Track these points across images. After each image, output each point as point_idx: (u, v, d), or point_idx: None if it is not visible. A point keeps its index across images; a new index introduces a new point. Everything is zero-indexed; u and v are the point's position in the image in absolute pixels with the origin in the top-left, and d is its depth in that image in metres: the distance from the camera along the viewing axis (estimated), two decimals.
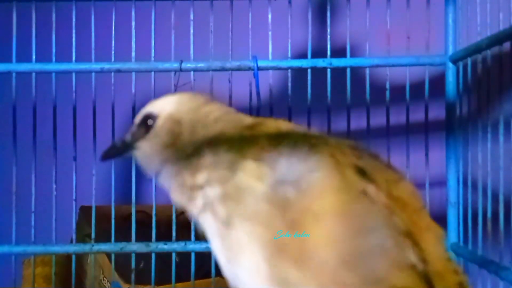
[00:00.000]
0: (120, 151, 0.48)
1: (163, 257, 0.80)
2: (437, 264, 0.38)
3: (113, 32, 0.77)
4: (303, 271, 0.35)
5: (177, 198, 0.45)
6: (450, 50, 0.77)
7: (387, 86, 0.77)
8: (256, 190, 0.37)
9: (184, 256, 0.82)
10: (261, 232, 0.36)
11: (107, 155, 0.50)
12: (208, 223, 0.41)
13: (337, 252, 0.35)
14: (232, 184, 0.39)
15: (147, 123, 0.46)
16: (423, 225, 0.39)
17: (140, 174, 0.78)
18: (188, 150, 0.43)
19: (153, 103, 0.47)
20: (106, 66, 0.77)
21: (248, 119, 0.45)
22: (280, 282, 0.36)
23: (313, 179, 0.36)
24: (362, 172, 0.38)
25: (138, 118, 0.47)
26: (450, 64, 0.77)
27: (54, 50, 0.78)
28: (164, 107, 0.46)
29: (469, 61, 0.71)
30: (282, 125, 0.44)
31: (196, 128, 0.44)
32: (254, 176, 0.38)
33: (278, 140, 0.39)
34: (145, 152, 0.46)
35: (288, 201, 0.36)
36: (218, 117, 0.45)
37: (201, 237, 0.82)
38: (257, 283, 0.37)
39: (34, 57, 0.78)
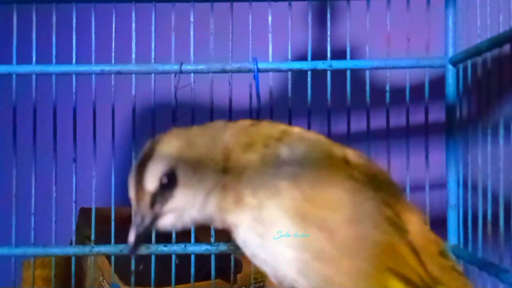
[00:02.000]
0: (148, 229, 0.48)
1: (163, 259, 0.80)
2: (418, 238, 0.46)
3: (113, 34, 0.78)
4: (322, 236, 0.41)
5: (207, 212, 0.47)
6: (450, 52, 0.77)
7: (387, 88, 0.77)
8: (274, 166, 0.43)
9: (184, 258, 0.82)
10: (287, 204, 0.42)
11: (138, 243, 0.49)
12: (240, 220, 0.45)
13: (342, 216, 0.42)
14: (259, 172, 0.44)
15: (164, 185, 0.45)
16: (404, 208, 0.48)
17: None
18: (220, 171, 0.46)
19: (148, 169, 0.46)
20: (106, 68, 0.77)
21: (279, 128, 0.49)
22: (307, 247, 0.42)
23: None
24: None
25: (151, 186, 0.46)
26: (450, 66, 0.77)
27: (54, 52, 0.78)
28: (169, 160, 0.45)
29: (469, 63, 0.71)
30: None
31: (208, 151, 0.46)
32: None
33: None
34: (179, 207, 0.46)
35: (300, 177, 0.43)
36: (213, 135, 0.48)
37: (201, 239, 0.82)
38: (288, 251, 0.42)
39: (34, 59, 0.78)
